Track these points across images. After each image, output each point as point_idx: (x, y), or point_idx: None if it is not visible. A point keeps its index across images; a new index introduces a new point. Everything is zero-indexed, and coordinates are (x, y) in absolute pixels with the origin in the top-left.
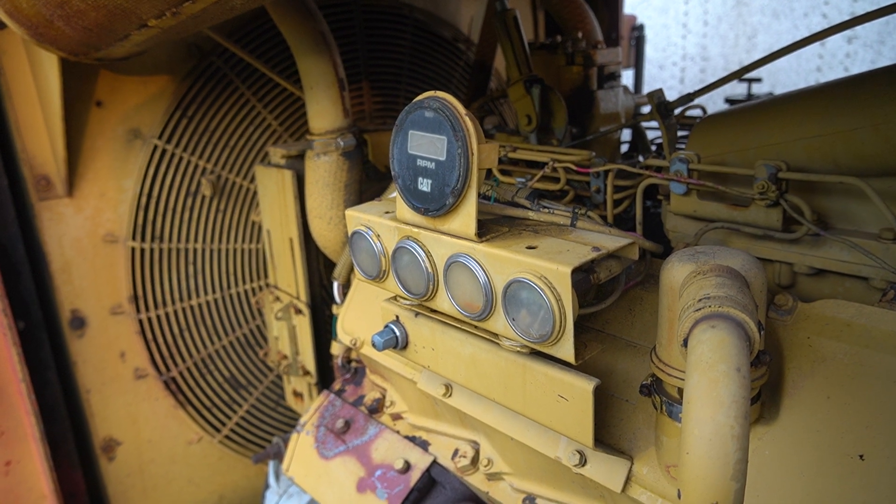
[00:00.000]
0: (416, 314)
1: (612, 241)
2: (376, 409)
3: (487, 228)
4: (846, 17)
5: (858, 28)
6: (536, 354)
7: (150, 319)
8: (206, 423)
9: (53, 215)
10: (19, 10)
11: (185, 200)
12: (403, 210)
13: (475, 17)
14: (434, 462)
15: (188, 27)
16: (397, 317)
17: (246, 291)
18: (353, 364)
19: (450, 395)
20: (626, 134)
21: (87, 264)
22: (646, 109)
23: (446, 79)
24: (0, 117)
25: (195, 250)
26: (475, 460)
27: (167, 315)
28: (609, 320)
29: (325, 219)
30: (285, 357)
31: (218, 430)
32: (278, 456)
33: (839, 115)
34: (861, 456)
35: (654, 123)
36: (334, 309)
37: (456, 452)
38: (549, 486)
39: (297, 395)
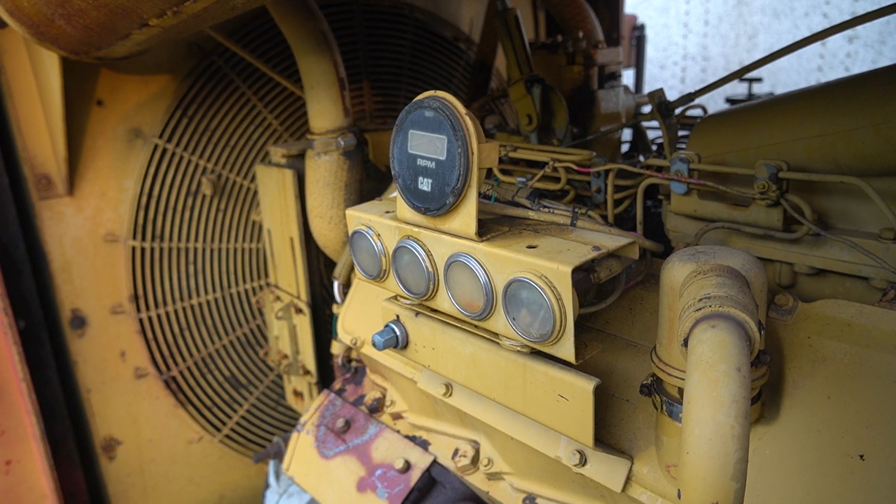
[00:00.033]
0: (417, 314)
1: (613, 240)
2: (376, 408)
3: (488, 228)
4: (847, 17)
5: (859, 28)
6: (537, 354)
7: (150, 319)
8: (206, 422)
9: (54, 214)
10: (20, 8)
11: (185, 200)
12: (404, 209)
13: (476, 17)
14: (434, 462)
15: (189, 26)
16: (398, 316)
17: (246, 291)
18: (354, 363)
19: (450, 395)
20: (627, 134)
21: (88, 263)
22: (646, 109)
23: (447, 78)
24: (1, 116)
25: (196, 250)
26: (475, 460)
27: (167, 314)
28: (609, 320)
29: (326, 218)
30: (286, 356)
31: (218, 430)
32: (279, 455)
33: (840, 115)
34: (861, 456)
35: (654, 123)
36: (335, 308)
37: (456, 452)
38: (550, 486)
39: (298, 394)
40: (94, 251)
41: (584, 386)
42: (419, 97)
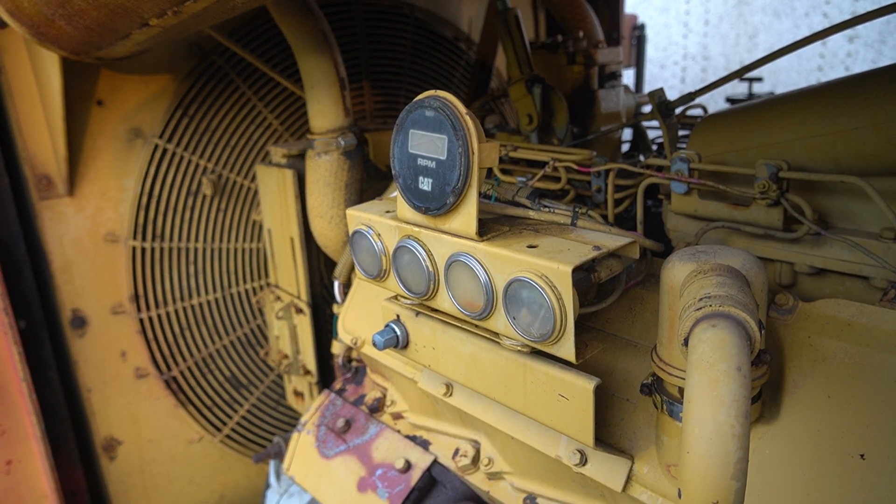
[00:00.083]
0: (417, 313)
1: (613, 240)
2: (377, 408)
3: (488, 227)
4: (847, 17)
5: (860, 27)
6: (537, 353)
7: (150, 319)
8: (206, 422)
9: (54, 214)
10: (20, 8)
11: (185, 200)
12: (404, 209)
13: (476, 17)
14: (435, 461)
15: (189, 26)
16: (398, 316)
17: (247, 291)
18: (354, 363)
19: (450, 395)
20: (627, 133)
21: (88, 263)
22: (647, 109)
23: (447, 78)
24: (1, 116)
25: (196, 250)
26: (476, 460)
27: (168, 314)
28: (610, 319)
29: (326, 218)
30: (286, 356)
31: (219, 430)
32: (279, 455)
33: (840, 115)
34: (862, 455)
35: (654, 123)
36: (335, 308)
37: (457, 452)
38: (550, 486)
39: (298, 394)
40: (95, 251)
41: (585, 385)
42: (419, 97)
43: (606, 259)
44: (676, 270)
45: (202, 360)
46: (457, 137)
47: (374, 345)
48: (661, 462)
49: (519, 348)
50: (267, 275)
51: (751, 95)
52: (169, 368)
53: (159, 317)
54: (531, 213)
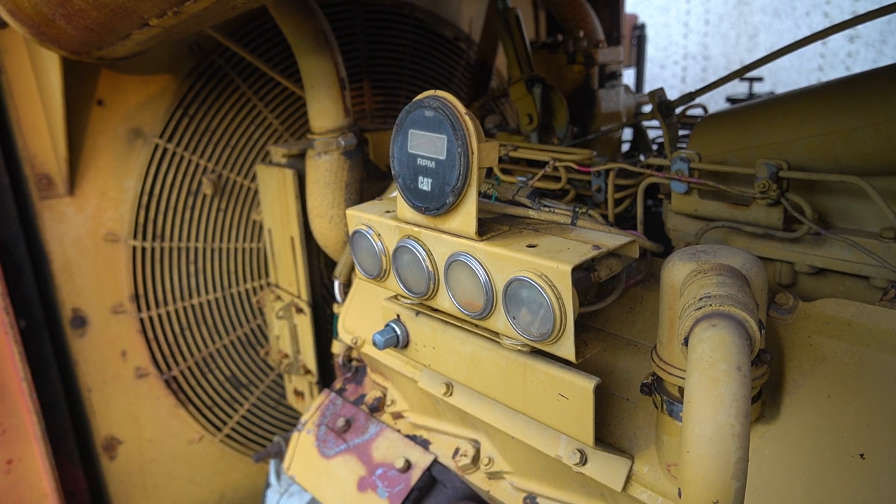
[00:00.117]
0: (417, 313)
1: (613, 239)
2: (377, 407)
3: (488, 227)
4: (848, 17)
5: (860, 27)
6: (537, 353)
7: (151, 318)
8: (207, 422)
9: (55, 214)
10: (21, 8)
11: (186, 199)
12: (404, 209)
13: (476, 17)
14: (435, 461)
15: (189, 26)
16: (398, 315)
17: (247, 290)
18: (354, 363)
19: (450, 394)
20: (628, 133)
21: (89, 263)
22: (647, 108)
23: (447, 78)
24: (2, 116)
25: (196, 249)
26: (476, 459)
27: (168, 314)
28: (610, 319)
29: (326, 218)
30: (286, 356)
31: (219, 429)
32: (279, 455)
33: (840, 115)
34: (862, 455)
35: (655, 122)
36: (335, 308)
37: (457, 451)
38: (550, 485)
39: (298, 393)
40: (95, 251)
41: (585, 385)
42: (419, 97)
43: (606, 258)
44: (676, 270)
45: (202, 360)
46: (456, 137)
47: (375, 344)
48: (661, 462)
49: (519, 348)
50: (267, 274)
51: (751, 95)
52: (169, 368)
53: (159, 316)
54: (531, 213)
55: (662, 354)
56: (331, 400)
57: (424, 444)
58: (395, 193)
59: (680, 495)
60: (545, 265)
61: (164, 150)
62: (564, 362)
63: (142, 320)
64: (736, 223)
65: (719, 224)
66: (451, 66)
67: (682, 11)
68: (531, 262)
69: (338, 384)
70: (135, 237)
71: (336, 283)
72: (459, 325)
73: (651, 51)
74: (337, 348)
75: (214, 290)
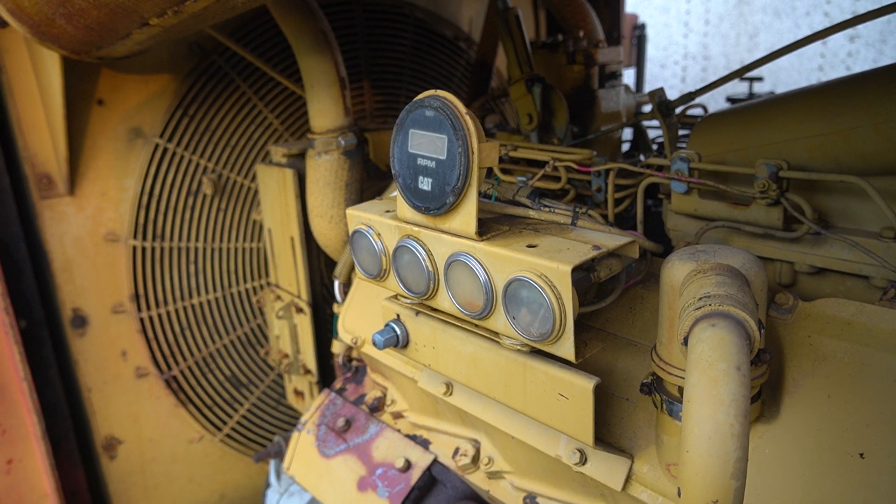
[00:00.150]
0: (417, 313)
1: (613, 239)
2: (377, 407)
3: (488, 227)
4: (848, 16)
5: (860, 27)
6: (537, 353)
7: (151, 318)
8: (207, 421)
9: (55, 214)
10: (21, 8)
11: (186, 199)
12: (404, 209)
13: (476, 16)
14: (435, 461)
15: (190, 26)
16: (398, 315)
17: (247, 290)
18: (354, 363)
19: (450, 394)
20: (628, 133)
21: (89, 263)
22: (647, 108)
23: (447, 77)
24: (2, 116)
25: (196, 249)
26: (476, 459)
27: (168, 314)
28: (609, 319)
29: (326, 217)
30: (286, 356)
31: (219, 429)
32: (279, 455)
33: (840, 114)
34: (861, 454)
35: (655, 122)
36: (335, 307)
37: (457, 451)
38: (550, 485)
39: (298, 393)
40: (95, 250)
41: (584, 385)
42: (420, 96)
43: (606, 258)
44: (676, 270)
45: (202, 360)
46: (457, 137)
47: (375, 344)
48: (660, 461)
49: (519, 348)
50: (267, 274)
51: (751, 95)
52: (169, 368)
53: (160, 316)
54: (531, 213)
55: (662, 354)
56: (331, 400)
57: (424, 443)
58: (395, 193)
59: (679, 495)
60: (545, 265)
61: (165, 150)
62: (564, 362)
63: (142, 320)
64: (736, 223)
65: (719, 224)
66: (451, 66)
67: (682, 11)
68: (531, 263)
69: (338, 384)
70: (135, 237)
71: (336, 283)
72: (459, 324)
73: (651, 51)
74: (337, 348)
75: (214, 290)
